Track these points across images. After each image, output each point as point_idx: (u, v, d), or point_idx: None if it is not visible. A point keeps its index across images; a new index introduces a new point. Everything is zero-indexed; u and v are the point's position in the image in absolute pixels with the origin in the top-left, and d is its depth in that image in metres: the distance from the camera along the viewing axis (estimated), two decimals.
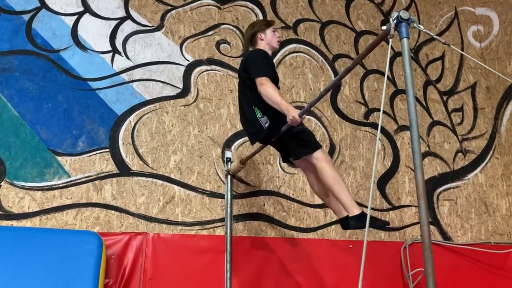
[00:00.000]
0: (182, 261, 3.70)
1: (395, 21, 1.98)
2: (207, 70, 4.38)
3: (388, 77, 4.90)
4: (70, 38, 4.12)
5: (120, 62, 4.18)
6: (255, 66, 3.07)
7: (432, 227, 4.45)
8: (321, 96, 2.85)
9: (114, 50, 4.20)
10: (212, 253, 3.76)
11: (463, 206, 4.66)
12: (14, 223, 3.51)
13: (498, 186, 4.82)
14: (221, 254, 3.71)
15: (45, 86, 3.92)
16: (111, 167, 3.86)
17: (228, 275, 3.59)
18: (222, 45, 4.51)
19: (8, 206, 3.53)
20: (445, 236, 4.48)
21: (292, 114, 2.80)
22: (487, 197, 4.75)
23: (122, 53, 4.21)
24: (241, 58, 4.50)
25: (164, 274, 3.66)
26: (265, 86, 2.93)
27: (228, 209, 3.84)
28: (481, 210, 4.68)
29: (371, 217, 2.71)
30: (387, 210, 4.42)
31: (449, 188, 4.69)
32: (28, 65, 3.93)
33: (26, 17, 4.06)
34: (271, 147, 4.08)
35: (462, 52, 2.62)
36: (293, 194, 4.20)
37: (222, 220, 3.92)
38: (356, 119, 4.66)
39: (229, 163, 3.96)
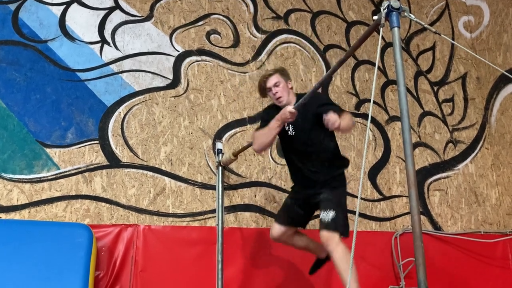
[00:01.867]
0: (174, 253, 3.69)
1: (385, 10, 1.97)
2: (197, 61, 4.34)
3: (379, 68, 4.90)
4: (57, 29, 4.06)
5: (109, 53, 4.13)
6: None
7: (422, 217, 4.47)
8: (315, 89, 2.84)
9: (103, 41, 4.15)
10: (204, 245, 3.76)
11: (453, 196, 4.68)
12: (3, 215, 3.48)
13: (488, 176, 4.85)
14: (212, 245, 3.71)
15: (33, 77, 3.86)
16: (101, 159, 3.83)
17: (220, 266, 3.59)
18: (212, 35, 4.47)
19: None
20: (435, 226, 4.51)
21: (283, 112, 2.82)
22: (477, 187, 4.78)
23: (111, 44, 4.16)
24: (232, 48, 4.48)
25: (155, 266, 3.65)
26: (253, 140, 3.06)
27: (220, 200, 3.83)
28: (471, 200, 4.72)
29: None
30: (378, 200, 4.43)
31: (439, 178, 4.71)
32: (15, 56, 3.87)
33: (13, 6, 3.99)
34: None
35: (453, 42, 2.61)
36: (284, 185, 4.19)
37: (213, 211, 3.91)
38: (347, 110, 4.64)
39: (220, 154, 3.95)
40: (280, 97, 3.02)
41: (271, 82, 3.06)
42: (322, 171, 2.94)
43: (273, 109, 3.07)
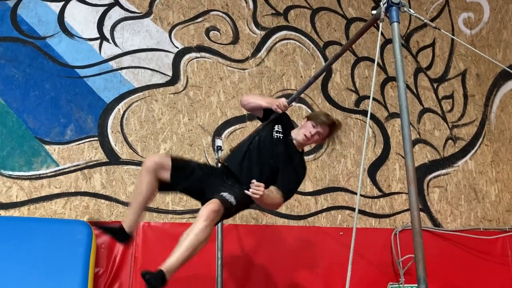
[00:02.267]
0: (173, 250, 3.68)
1: (385, 5, 1.97)
2: (196, 58, 4.33)
3: (378, 64, 4.89)
4: (56, 25, 4.05)
5: (108, 49, 4.12)
6: None
7: (422, 214, 4.47)
8: (310, 82, 2.84)
9: (102, 37, 4.14)
10: None
11: (453, 193, 4.68)
12: (2, 212, 3.47)
13: (487, 173, 4.85)
14: (212, 242, 3.69)
15: (32, 73, 3.86)
16: (100, 156, 3.82)
17: (219, 263, 3.59)
18: (211, 32, 4.46)
19: None
20: (435, 222, 4.51)
21: (279, 99, 2.83)
22: (476, 184, 4.78)
23: (110, 40, 4.15)
24: (231, 45, 4.47)
25: (155, 263, 3.61)
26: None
27: None
28: (471, 196, 4.72)
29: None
30: (378, 197, 4.43)
31: (439, 175, 4.71)
32: (13, 53, 3.86)
33: (11, 3, 3.98)
34: None
35: (453, 37, 2.61)
36: None
37: None
38: (347, 107, 4.64)
39: (220, 151, 3.94)
40: (308, 140, 2.92)
41: (323, 130, 2.92)
42: (249, 178, 2.69)
43: (285, 117, 3.00)
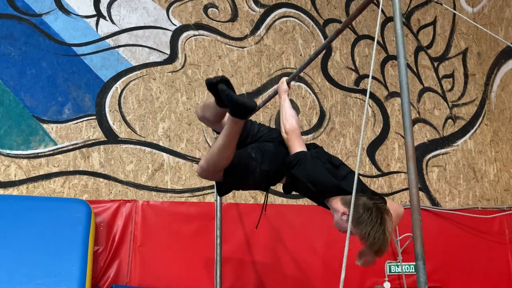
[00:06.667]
0: (172, 228, 3.71)
1: None
2: (194, 35, 4.28)
3: (379, 43, 4.83)
4: (52, 2, 3.99)
5: (105, 27, 4.06)
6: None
7: (420, 193, 4.47)
8: (310, 60, 2.78)
9: (99, 15, 4.08)
10: (202, 220, 3.77)
11: (451, 172, 4.68)
12: (0, 191, 3.47)
13: (486, 152, 4.84)
14: (211, 221, 3.72)
15: (28, 51, 3.81)
16: (98, 135, 3.81)
17: (218, 241, 3.61)
18: (210, 9, 4.39)
19: None
20: (433, 202, 4.52)
21: (281, 81, 2.68)
22: (475, 163, 4.78)
23: (107, 18, 4.09)
24: (230, 22, 4.40)
25: (154, 241, 3.66)
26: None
27: None
28: (469, 176, 4.72)
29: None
30: (376, 176, 4.43)
31: (438, 155, 4.70)
32: (9, 30, 3.81)
33: None
34: (261, 113, 4.05)
35: (456, 12, 2.57)
36: None
37: (212, 187, 3.91)
38: (346, 86, 4.61)
39: None
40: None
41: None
42: None
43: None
